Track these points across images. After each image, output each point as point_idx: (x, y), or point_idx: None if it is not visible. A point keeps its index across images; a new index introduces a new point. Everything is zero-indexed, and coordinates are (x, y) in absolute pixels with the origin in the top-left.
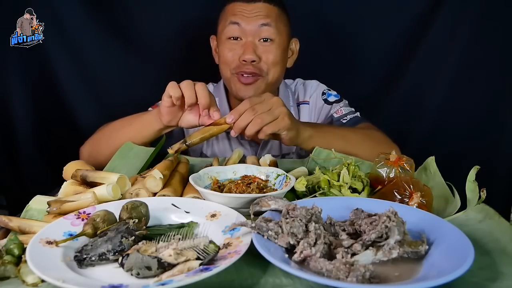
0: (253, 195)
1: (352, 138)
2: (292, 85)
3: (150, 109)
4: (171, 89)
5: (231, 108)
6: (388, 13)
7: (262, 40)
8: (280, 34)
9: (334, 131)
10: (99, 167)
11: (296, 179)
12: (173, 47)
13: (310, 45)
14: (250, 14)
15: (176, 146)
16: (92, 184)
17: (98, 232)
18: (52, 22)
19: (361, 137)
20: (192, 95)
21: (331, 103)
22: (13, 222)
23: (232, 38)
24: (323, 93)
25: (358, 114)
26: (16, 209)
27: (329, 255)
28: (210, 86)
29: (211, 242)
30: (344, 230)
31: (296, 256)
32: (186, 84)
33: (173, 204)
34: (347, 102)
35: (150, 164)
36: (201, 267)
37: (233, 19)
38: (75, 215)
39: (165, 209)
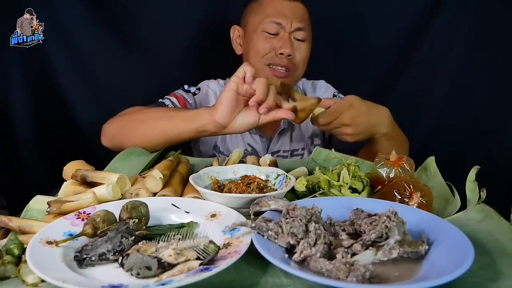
0: (253, 195)
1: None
2: (300, 83)
3: (166, 97)
4: (246, 66)
5: None
6: (388, 14)
7: (296, 39)
8: (310, 34)
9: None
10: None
11: (296, 179)
12: (173, 46)
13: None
14: (290, 14)
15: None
16: (92, 184)
17: (98, 232)
18: (52, 22)
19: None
20: (265, 91)
21: None
22: (13, 222)
23: (269, 33)
24: (334, 95)
25: None
26: (16, 209)
27: (329, 255)
28: (220, 82)
29: (211, 242)
30: (344, 230)
31: (296, 256)
32: (260, 80)
33: (173, 204)
34: None
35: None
36: (201, 267)
37: (275, 19)
38: (75, 215)
39: (165, 209)
